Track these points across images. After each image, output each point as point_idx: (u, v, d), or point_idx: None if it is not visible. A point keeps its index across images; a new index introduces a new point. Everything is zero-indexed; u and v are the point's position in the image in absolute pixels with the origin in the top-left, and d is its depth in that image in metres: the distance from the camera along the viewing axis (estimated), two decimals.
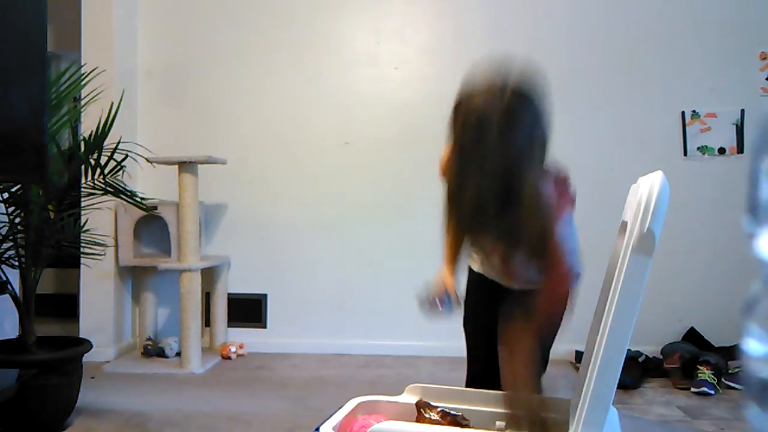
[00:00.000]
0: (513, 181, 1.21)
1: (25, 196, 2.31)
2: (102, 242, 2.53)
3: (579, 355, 3.05)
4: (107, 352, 3.25)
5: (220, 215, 3.62)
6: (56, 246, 2.40)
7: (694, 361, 2.90)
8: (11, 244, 2.31)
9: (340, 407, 1.16)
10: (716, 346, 3.13)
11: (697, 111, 3.35)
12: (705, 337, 3.20)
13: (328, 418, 1.11)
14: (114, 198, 2.61)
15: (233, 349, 3.36)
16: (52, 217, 2.35)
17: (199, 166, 3.15)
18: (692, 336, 3.23)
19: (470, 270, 1.73)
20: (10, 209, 2.34)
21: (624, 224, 1.03)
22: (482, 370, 1.65)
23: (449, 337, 3.09)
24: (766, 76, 3.32)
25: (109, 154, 2.47)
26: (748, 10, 3.33)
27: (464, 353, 1.75)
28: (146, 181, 3.44)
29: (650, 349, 3.12)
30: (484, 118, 1.20)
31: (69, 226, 2.45)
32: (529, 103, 1.24)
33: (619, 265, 0.95)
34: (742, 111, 3.33)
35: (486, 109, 1.21)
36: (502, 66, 1.27)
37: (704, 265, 3.32)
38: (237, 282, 3.58)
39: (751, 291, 0.38)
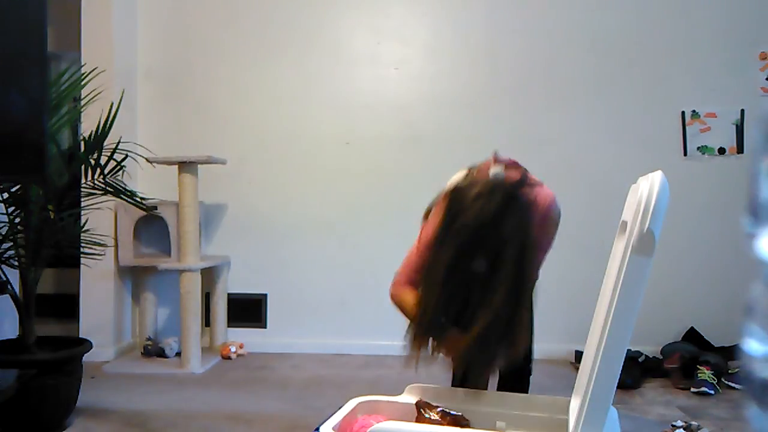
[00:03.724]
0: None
1: (25, 196, 2.31)
2: (102, 242, 2.53)
3: (579, 355, 3.05)
4: (107, 352, 3.25)
5: (220, 215, 3.62)
6: (56, 246, 2.40)
7: (694, 361, 2.90)
8: (11, 244, 2.31)
9: (340, 407, 1.16)
10: (716, 346, 3.12)
11: (697, 111, 3.35)
12: (705, 337, 3.20)
13: (328, 418, 1.11)
14: (114, 198, 2.61)
15: (233, 349, 3.36)
16: (52, 217, 2.35)
17: (199, 166, 3.15)
18: (692, 336, 3.23)
19: None
20: (10, 209, 2.34)
21: (624, 224, 1.03)
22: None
23: None
24: (766, 76, 3.32)
25: (109, 154, 2.47)
26: (747, 10, 3.33)
27: None
28: (146, 181, 3.44)
29: (650, 349, 3.12)
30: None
31: (69, 226, 2.45)
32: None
33: (619, 265, 0.95)
34: (742, 111, 3.33)
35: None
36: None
37: (704, 265, 3.32)
38: (237, 282, 3.58)
39: (751, 291, 0.38)
